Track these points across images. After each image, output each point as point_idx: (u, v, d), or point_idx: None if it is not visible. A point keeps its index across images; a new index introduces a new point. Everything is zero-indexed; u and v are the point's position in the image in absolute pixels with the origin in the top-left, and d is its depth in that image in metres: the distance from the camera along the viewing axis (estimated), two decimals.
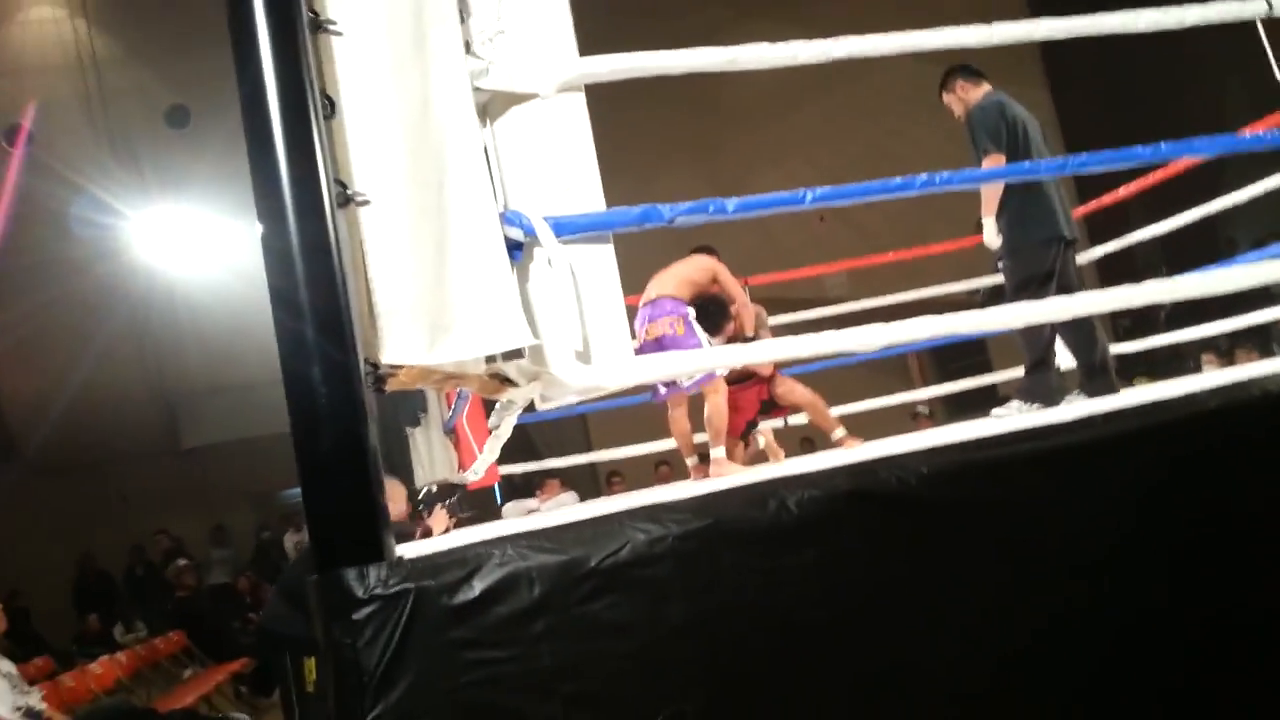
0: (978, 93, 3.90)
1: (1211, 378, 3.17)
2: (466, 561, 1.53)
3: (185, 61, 9.91)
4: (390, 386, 1.73)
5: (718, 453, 3.79)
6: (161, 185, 9.54)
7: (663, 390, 3.96)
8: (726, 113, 11.35)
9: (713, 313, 3.94)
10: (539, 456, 9.51)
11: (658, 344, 3.75)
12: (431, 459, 5.17)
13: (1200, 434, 1.77)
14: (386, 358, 1.71)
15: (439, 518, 4.13)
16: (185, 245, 9.24)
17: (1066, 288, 3.69)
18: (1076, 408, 2.96)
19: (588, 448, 10.08)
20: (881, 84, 10.55)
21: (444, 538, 2.67)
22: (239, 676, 6.80)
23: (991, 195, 3.71)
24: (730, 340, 4.05)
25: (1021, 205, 3.67)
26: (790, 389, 4.22)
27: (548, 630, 1.52)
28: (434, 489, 4.62)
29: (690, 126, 11.42)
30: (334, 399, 1.57)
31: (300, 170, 1.60)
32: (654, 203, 2.10)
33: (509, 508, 5.28)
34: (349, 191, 1.71)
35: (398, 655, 1.48)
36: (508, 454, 6.70)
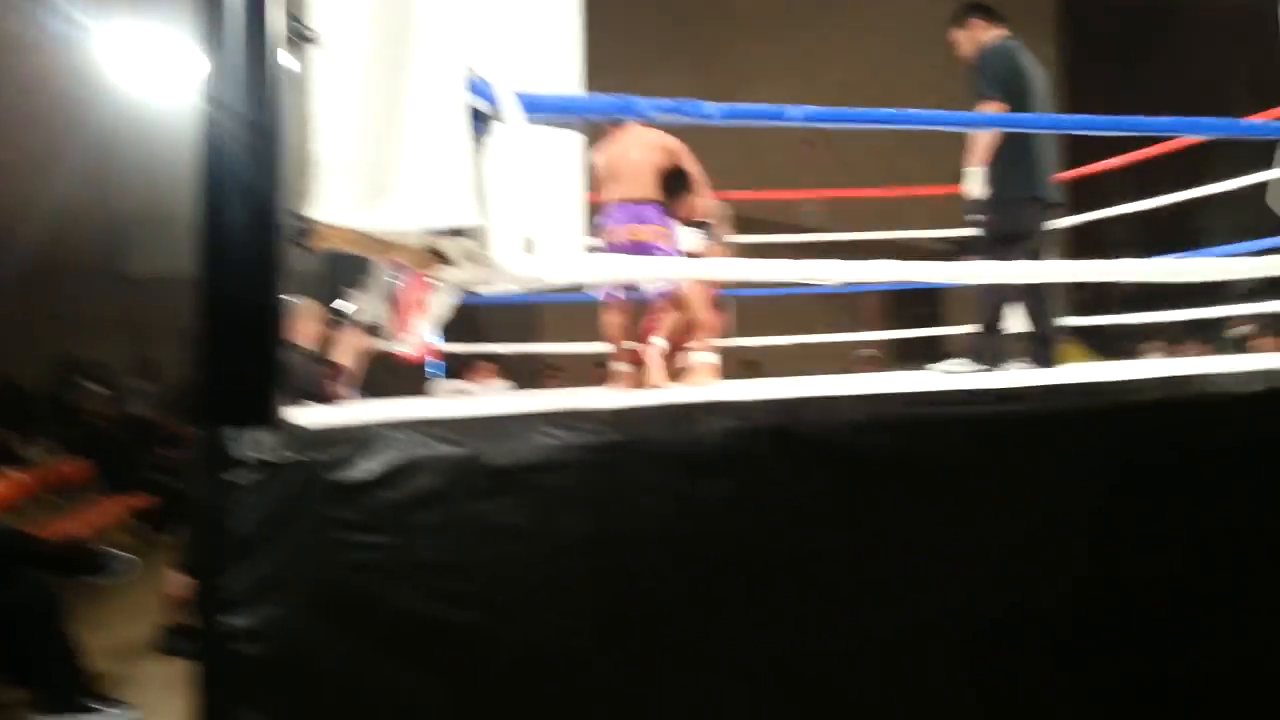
0: (991, 34, 3.75)
1: (1156, 366, 3.14)
2: (359, 440, 1.44)
3: None
4: (316, 244, 1.60)
5: (699, 358, 3.69)
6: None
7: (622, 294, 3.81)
8: (731, 21, 11.03)
9: (675, 186, 3.72)
10: (483, 338, 9.41)
11: (638, 248, 3.55)
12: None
13: (1136, 424, 1.71)
14: (316, 212, 1.58)
15: (351, 334, 4.00)
16: (152, 66, 8.77)
17: (1036, 252, 3.62)
18: (1018, 376, 2.91)
19: (537, 337, 10.00)
20: (892, 12, 10.27)
21: (341, 411, 2.56)
22: (138, 511, 6.70)
23: (984, 144, 3.58)
24: (685, 223, 3.88)
25: (1010, 160, 3.56)
26: (689, 292, 3.81)
27: (434, 524, 1.44)
28: (358, 305, 4.42)
29: (693, 30, 11.08)
30: (248, 245, 1.45)
31: None
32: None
33: (439, 386, 5.18)
34: (301, 28, 1.56)
35: (270, 525, 1.39)
36: (450, 332, 6.60)
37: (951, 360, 3.72)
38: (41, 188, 9.70)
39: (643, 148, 3.75)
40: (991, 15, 3.78)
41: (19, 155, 9.85)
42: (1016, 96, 3.53)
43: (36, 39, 8.75)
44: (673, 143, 3.78)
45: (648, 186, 3.69)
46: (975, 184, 3.62)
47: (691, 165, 3.80)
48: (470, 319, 10.12)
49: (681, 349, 4.13)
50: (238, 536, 1.38)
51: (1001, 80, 3.55)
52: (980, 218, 3.76)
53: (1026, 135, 3.50)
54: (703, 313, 3.90)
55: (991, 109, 3.52)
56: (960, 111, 2.43)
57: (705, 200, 3.87)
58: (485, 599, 1.45)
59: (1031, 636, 1.66)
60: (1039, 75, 3.66)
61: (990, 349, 3.63)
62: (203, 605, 1.43)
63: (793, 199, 8.74)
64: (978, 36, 3.77)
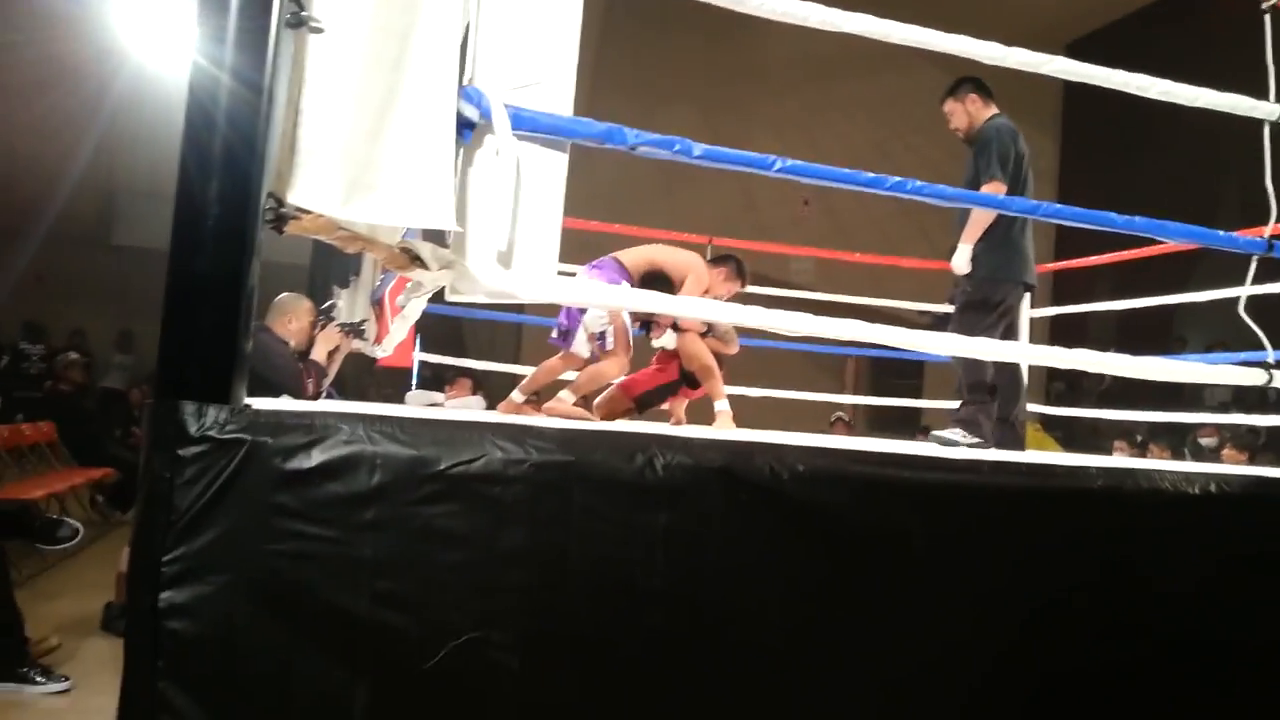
0: (986, 111, 3.78)
1: (1108, 460, 3.18)
2: (312, 429, 1.46)
3: None
4: (290, 229, 1.62)
5: (565, 395, 3.82)
6: None
7: (557, 337, 4.00)
8: (748, 73, 11.15)
9: (657, 288, 3.86)
10: (466, 353, 9.41)
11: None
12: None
13: (1077, 507, 1.74)
14: (294, 198, 1.60)
15: (329, 334, 4.04)
16: (159, 34, 8.73)
17: (1010, 331, 3.66)
18: (969, 451, 2.93)
19: (517, 358, 10.01)
20: (902, 86, 10.42)
21: (300, 402, 2.57)
22: (99, 485, 6.64)
23: (980, 222, 3.58)
24: (671, 327, 4.06)
25: (1001, 240, 3.59)
26: (693, 347, 4.07)
27: (376, 521, 1.45)
28: (338, 305, 4.50)
29: (711, 76, 11.19)
30: (224, 223, 1.48)
31: None
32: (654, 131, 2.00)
33: (412, 395, 5.18)
34: (303, 13, 1.58)
35: (213, 503, 1.40)
36: (435, 344, 6.60)
37: (951, 429, 3.63)
38: (41, 152, 9.67)
39: (666, 249, 4.04)
40: (987, 93, 3.81)
41: (22, 119, 9.82)
42: (1015, 179, 3.56)
43: (49, 6, 8.76)
44: (694, 265, 3.99)
45: (627, 256, 3.92)
46: (964, 260, 3.64)
47: (691, 287, 3.93)
48: (455, 333, 10.14)
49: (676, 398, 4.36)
50: (178, 511, 1.39)
51: (1005, 158, 3.53)
52: (964, 289, 3.77)
53: (1016, 218, 3.55)
54: (708, 361, 4.03)
55: (992, 188, 3.53)
56: (945, 186, 2.44)
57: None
58: (417, 603, 1.46)
59: (950, 710, 1.67)
60: (1030, 158, 3.71)
61: (981, 422, 3.58)
62: (135, 578, 1.43)
63: (786, 254, 8.81)
64: (973, 112, 3.78)
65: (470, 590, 1.48)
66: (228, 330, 1.47)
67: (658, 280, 3.91)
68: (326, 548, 1.43)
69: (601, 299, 2.94)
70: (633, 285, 3.85)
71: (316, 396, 3.98)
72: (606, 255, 3.97)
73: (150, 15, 8.45)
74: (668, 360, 4.32)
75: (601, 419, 4.21)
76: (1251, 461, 6.08)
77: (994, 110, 3.79)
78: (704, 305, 2.59)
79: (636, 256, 3.94)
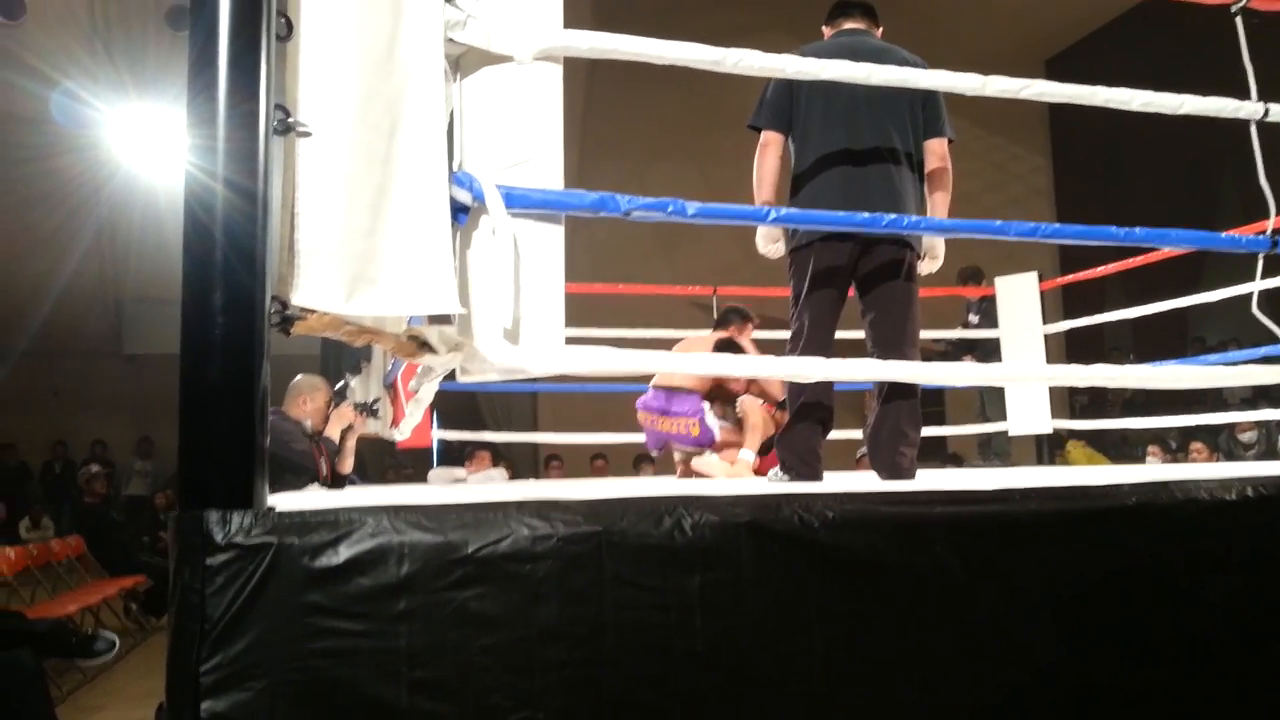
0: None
1: (1142, 471, 3.14)
2: (338, 525, 1.46)
3: None
4: (297, 329, 1.63)
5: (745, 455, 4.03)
6: (140, 84, 9.17)
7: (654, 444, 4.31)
8: (737, 120, 11.22)
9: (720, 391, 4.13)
10: (484, 427, 9.42)
11: (663, 436, 4.16)
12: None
13: (1113, 526, 1.72)
14: (298, 299, 1.62)
15: (343, 412, 4.07)
16: (158, 148, 8.93)
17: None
18: (997, 477, 2.85)
19: (534, 427, 10.02)
20: None
21: (319, 496, 2.57)
22: (132, 594, 6.64)
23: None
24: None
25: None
26: (746, 403, 4.25)
27: (409, 611, 1.45)
28: (351, 384, 4.57)
29: (700, 127, 11.30)
30: (231, 330, 1.49)
31: (239, 86, 1.51)
32: (646, 191, 2.03)
33: (435, 473, 5.18)
34: (290, 119, 1.61)
35: (245, 609, 1.40)
36: (452, 420, 6.60)
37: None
38: (47, 266, 9.81)
39: (698, 345, 4.31)
40: (842, 11, 3.21)
41: (26, 235, 9.98)
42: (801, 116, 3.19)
43: (45, 119, 8.95)
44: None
45: (689, 380, 4.10)
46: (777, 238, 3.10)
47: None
48: (471, 407, 10.17)
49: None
50: (211, 620, 1.39)
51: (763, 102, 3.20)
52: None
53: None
54: (757, 418, 4.21)
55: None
56: (940, 219, 2.40)
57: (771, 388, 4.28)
58: (456, 688, 1.45)
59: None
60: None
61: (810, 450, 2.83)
62: (174, 690, 1.42)
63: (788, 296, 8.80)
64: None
65: (508, 671, 1.47)
66: (245, 434, 1.48)
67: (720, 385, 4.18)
68: (362, 642, 1.43)
69: (613, 364, 2.93)
70: (704, 399, 4.16)
71: (331, 474, 3.99)
72: (676, 385, 4.18)
73: (144, 127, 8.66)
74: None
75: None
76: None
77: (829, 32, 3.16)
78: (721, 361, 2.59)
79: (693, 377, 4.10)
